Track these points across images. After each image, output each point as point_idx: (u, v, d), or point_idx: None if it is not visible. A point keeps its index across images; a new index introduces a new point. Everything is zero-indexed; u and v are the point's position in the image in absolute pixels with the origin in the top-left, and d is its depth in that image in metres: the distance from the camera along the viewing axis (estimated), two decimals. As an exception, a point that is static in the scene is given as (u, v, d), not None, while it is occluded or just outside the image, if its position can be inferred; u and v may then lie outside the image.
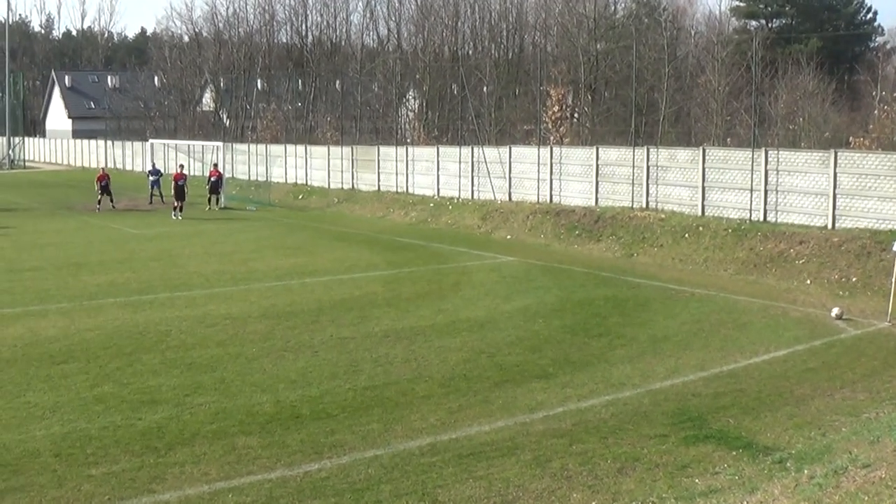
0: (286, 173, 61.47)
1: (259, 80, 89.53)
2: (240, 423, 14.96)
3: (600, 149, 39.90)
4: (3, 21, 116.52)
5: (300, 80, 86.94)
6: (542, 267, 31.00)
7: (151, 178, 54.67)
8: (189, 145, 70.76)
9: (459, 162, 46.86)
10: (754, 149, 34.14)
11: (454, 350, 19.54)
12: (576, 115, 60.53)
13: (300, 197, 56.05)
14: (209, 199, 51.31)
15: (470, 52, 78.33)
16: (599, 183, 39.28)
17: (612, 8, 73.32)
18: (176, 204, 46.86)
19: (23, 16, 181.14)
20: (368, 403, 15.92)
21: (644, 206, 37.15)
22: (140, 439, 14.24)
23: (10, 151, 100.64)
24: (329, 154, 57.44)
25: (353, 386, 16.91)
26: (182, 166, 51.33)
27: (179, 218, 45.96)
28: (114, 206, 50.67)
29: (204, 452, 13.67)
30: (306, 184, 58.93)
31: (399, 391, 16.61)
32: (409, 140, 62.23)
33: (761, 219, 33.12)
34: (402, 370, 17.99)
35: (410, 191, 50.03)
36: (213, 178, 51.88)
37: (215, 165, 53.68)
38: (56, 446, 13.97)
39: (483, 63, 70.48)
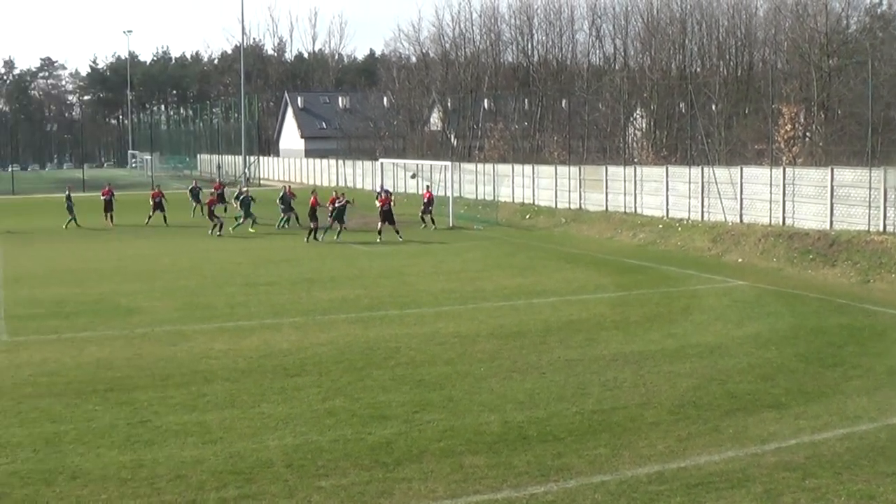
0: (513, 193, 61.85)
1: (486, 100, 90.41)
2: (467, 441, 15.09)
3: (835, 169, 38.61)
4: (239, 46, 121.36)
5: (526, 100, 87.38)
6: (774, 292, 30.18)
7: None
8: (418, 164, 72.05)
9: (689, 182, 46.18)
10: None
11: (684, 376, 19.22)
12: (808, 134, 58.81)
13: (527, 216, 56.27)
14: (422, 219, 52.15)
15: (698, 69, 77.23)
16: (834, 205, 38.00)
17: (845, 22, 70.94)
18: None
19: (257, 40, 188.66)
20: (596, 427, 15.82)
21: (881, 230, 35.72)
22: (369, 454, 14.54)
23: (246, 170, 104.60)
24: (556, 174, 57.50)
25: (581, 409, 16.84)
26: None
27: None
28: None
29: (431, 469, 13.85)
30: (533, 203, 59.14)
31: (627, 416, 16.44)
32: (636, 160, 61.72)
33: None
34: (631, 395, 17.80)
35: (638, 211, 49.58)
36: (425, 199, 52.86)
37: (428, 187, 54.86)
38: (288, 457, 14.42)
39: (711, 81, 69.30)
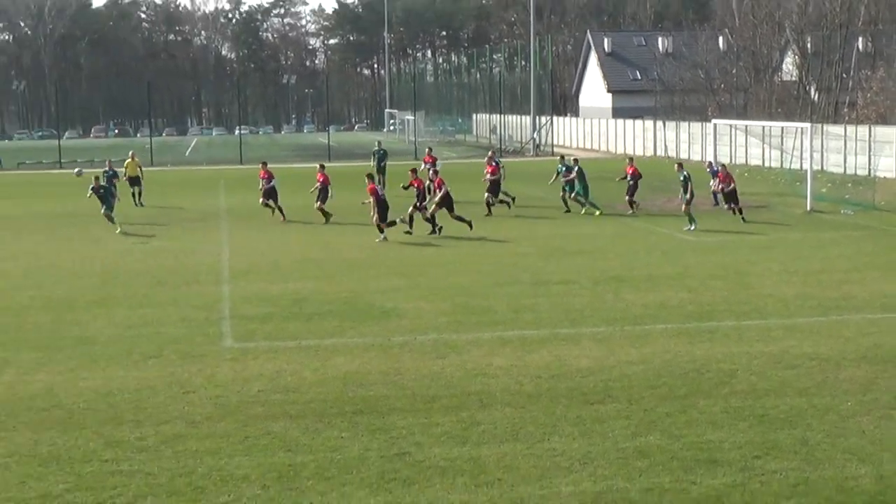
0: (897, 165, 60.42)
1: (861, 38, 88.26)
2: (827, 500, 14.92)
3: None
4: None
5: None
6: None
7: (710, 171, 55.15)
8: (764, 127, 71.07)
9: None
10: None
11: None
12: None
13: (916, 199, 54.72)
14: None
15: None
16: None
17: None
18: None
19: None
20: None
21: None
22: (695, 510, 14.62)
23: (536, 134, 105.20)
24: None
25: None
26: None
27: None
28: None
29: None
30: (926, 180, 57.54)
31: None
32: None
33: None
34: None
35: None
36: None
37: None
38: (587, 508, 14.66)
39: None
